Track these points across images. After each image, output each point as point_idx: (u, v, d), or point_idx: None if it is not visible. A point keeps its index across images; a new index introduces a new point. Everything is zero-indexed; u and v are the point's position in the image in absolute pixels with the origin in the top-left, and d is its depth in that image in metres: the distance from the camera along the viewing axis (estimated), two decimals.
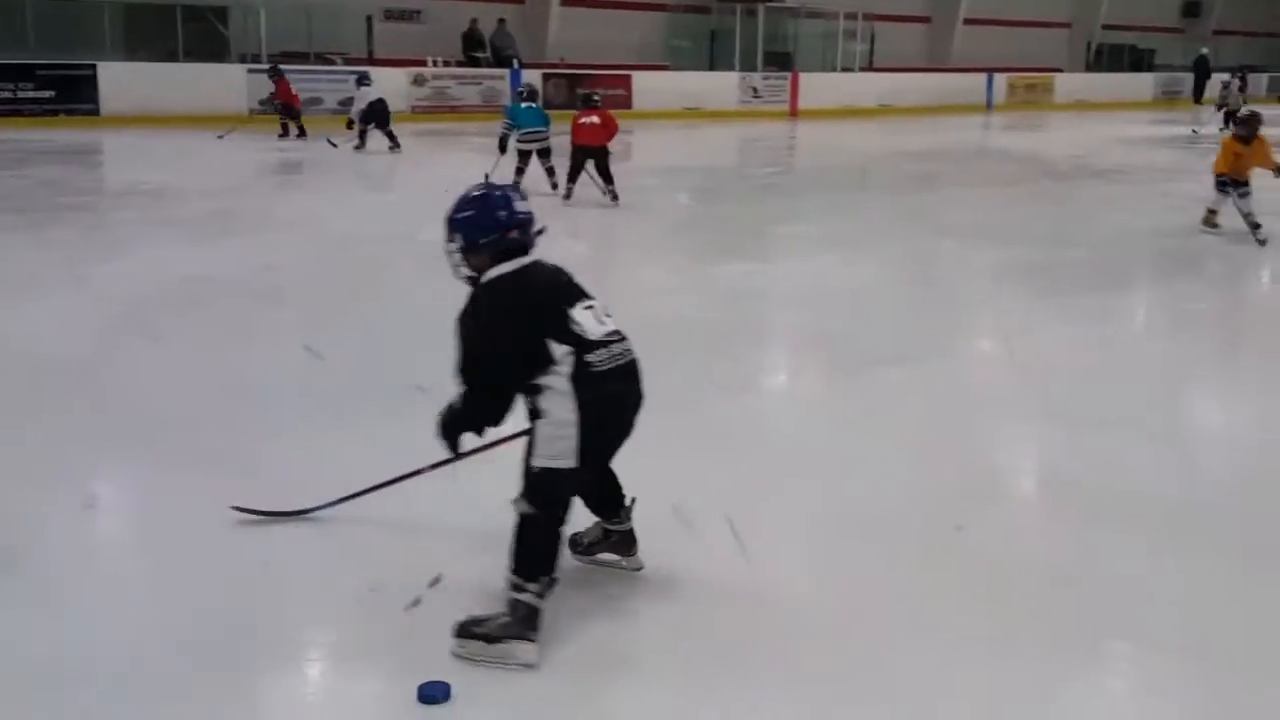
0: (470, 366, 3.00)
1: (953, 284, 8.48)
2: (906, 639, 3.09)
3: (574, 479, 2.99)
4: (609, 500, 3.33)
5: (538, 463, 2.94)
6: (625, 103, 22.92)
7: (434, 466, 3.45)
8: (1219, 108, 22.84)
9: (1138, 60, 35.23)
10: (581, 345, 2.93)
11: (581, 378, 2.91)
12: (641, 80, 23.93)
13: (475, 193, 3.16)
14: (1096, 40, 34.68)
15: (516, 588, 2.95)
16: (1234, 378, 6.30)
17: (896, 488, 4.15)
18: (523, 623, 2.92)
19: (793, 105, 25.85)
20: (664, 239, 10.28)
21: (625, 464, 3.23)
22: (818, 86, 26.37)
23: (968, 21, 31.35)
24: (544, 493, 2.95)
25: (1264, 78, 33.78)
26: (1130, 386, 5.74)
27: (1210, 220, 10.26)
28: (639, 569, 3.40)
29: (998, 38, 31.64)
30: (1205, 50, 33.90)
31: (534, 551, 2.95)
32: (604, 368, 2.95)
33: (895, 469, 4.35)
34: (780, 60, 27.49)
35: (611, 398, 2.98)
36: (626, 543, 3.39)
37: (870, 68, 29.39)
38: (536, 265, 3.08)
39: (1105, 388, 5.68)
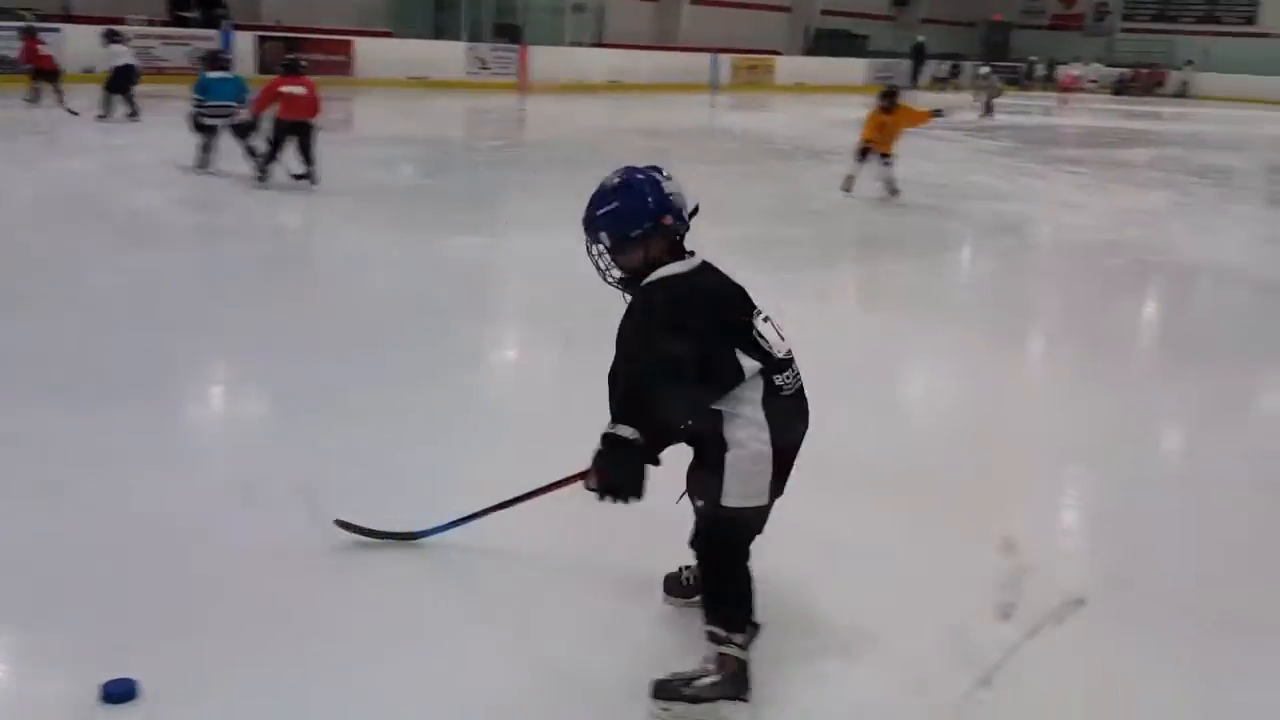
0: (639, 385, 2.43)
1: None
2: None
3: (763, 517, 2.59)
4: None
5: (730, 501, 2.51)
6: (346, 69, 21.97)
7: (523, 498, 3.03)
8: (978, 97, 24.29)
9: (853, 45, 36.89)
10: (769, 363, 2.54)
11: (772, 403, 2.52)
12: (364, 47, 22.98)
13: (616, 180, 2.63)
14: (815, 25, 36.10)
15: (719, 640, 2.60)
16: (936, 347, 6.44)
17: None
18: (733, 681, 2.58)
19: (522, 78, 25.48)
20: (385, 212, 9.73)
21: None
22: (547, 60, 26.11)
23: (694, 2, 31.94)
24: (736, 533, 2.59)
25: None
26: (850, 358, 5.78)
27: (848, 185, 11.14)
28: None
29: (723, 19, 32.44)
30: (922, 38, 36.36)
31: (732, 599, 2.63)
32: (789, 392, 2.57)
33: None
34: (510, 32, 27.06)
35: (796, 426, 2.59)
36: None
37: (600, 43, 29.42)
38: (709, 265, 2.64)
39: (827, 360, 5.67)
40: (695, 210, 2.66)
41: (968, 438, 4.66)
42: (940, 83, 34.78)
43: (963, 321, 6.97)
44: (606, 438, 2.42)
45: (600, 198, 2.63)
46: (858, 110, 24.68)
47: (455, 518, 3.20)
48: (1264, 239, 10.53)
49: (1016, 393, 5.60)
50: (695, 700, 2.55)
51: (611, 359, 2.50)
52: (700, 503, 2.59)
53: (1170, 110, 30.83)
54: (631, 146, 16.10)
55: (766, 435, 2.50)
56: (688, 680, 2.58)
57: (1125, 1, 42.08)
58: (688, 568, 2.96)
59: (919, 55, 35.96)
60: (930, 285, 8.11)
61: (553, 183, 11.39)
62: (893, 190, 10.92)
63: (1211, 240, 10.17)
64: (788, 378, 2.57)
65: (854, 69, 35.32)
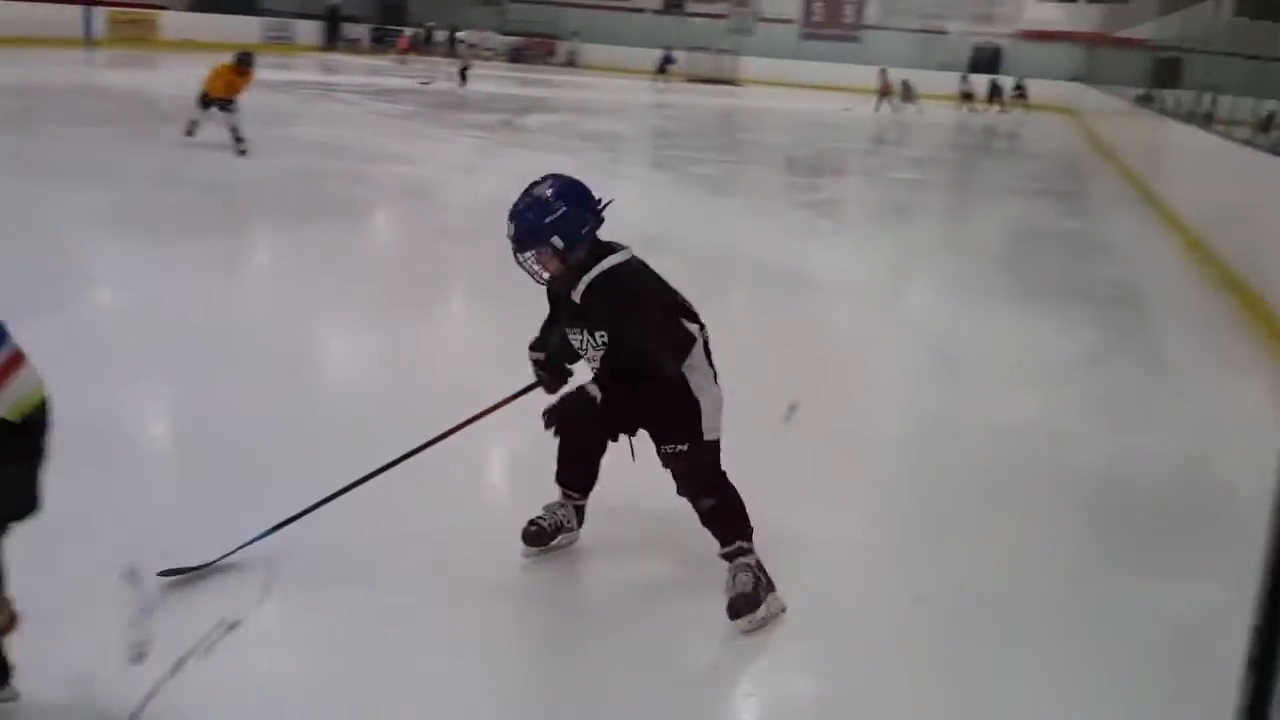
0: (660, 324, 2.98)
1: (55, 231, 7.49)
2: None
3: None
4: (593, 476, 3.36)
5: (711, 436, 3.03)
6: None
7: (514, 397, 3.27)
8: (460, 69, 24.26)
9: (245, 3, 35.38)
10: (702, 327, 3.08)
11: (710, 358, 3.09)
12: None
13: (549, 189, 3.04)
14: None
15: (745, 552, 3.08)
16: (354, 312, 6.38)
17: None
18: (765, 577, 3.06)
19: None
20: None
21: None
22: None
23: None
24: (718, 461, 3.07)
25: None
26: (270, 332, 5.57)
27: (191, 130, 11.59)
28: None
29: None
30: (337, 1, 37.81)
31: (738, 515, 3.10)
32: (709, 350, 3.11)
33: None
34: None
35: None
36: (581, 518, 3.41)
37: None
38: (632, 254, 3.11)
39: (238, 336, 5.43)
40: (609, 202, 3.11)
41: (383, 400, 4.65)
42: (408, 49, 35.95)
43: (372, 284, 6.96)
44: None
45: (541, 206, 2.98)
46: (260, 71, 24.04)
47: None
48: (647, 199, 11.56)
49: (426, 355, 5.64)
50: (759, 603, 3.00)
51: None
52: (684, 447, 3.02)
53: (561, 79, 33.09)
54: None
55: (716, 383, 3.07)
56: (743, 594, 3.00)
57: None
58: (538, 518, 3.32)
59: (334, 18, 37.29)
60: (339, 249, 7.99)
61: None
62: (238, 138, 11.15)
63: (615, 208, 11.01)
64: (707, 338, 3.09)
65: (247, 26, 33.96)
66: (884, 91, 28.16)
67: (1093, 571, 3.57)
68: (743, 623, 2.98)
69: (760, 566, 3.07)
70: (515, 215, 2.99)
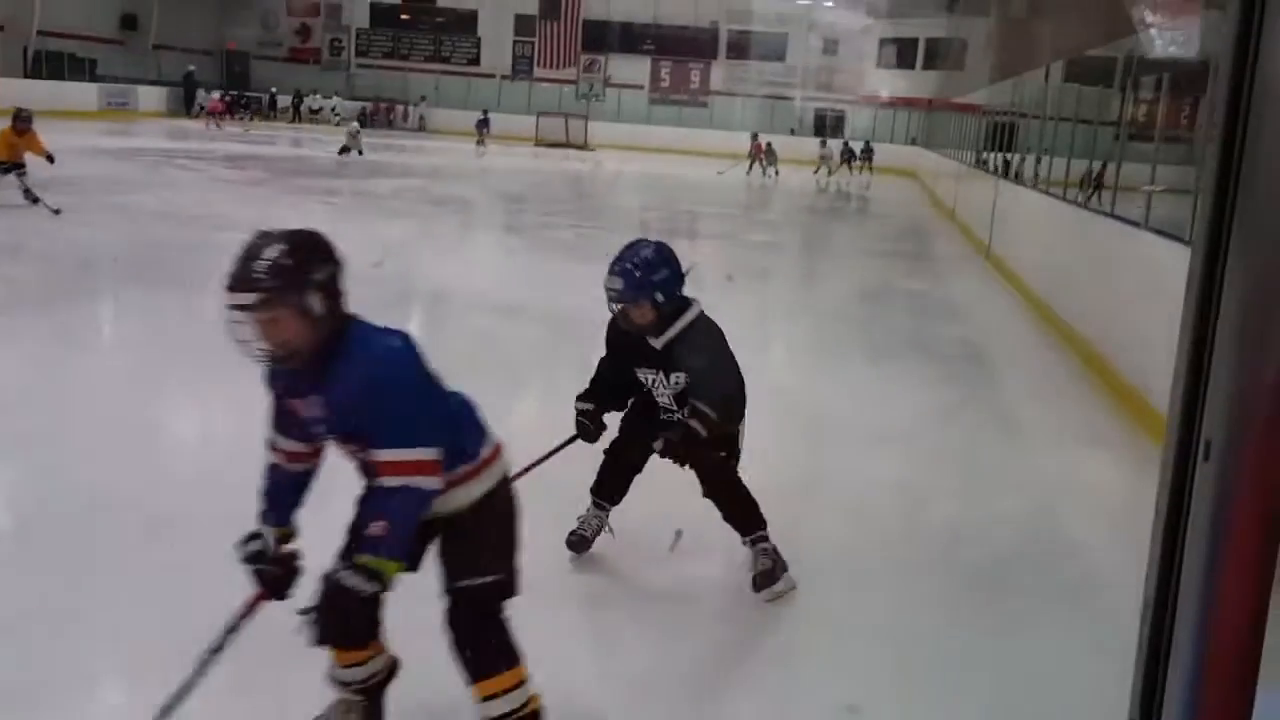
0: (727, 375, 3.61)
1: None
2: None
3: None
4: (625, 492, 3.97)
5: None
6: None
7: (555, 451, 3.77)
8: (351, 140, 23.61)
9: (80, 69, 34.36)
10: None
11: None
12: None
13: (649, 250, 3.56)
14: (33, 46, 32.97)
15: (765, 538, 3.76)
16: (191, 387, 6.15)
17: None
18: (779, 559, 3.75)
19: None
20: None
21: None
22: None
23: None
24: (735, 469, 3.79)
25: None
26: (87, 406, 5.31)
27: None
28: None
29: None
30: (192, 67, 38.36)
31: (753, 510, 3.78)
32: None
33: None
34: None
35: None
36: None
37: None
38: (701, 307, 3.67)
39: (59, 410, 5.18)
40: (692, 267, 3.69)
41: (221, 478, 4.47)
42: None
43: (218, 357, 6.69)
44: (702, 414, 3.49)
45: (647, 266, 3.49)
46: (92, 138, 23.32)
47: None
48: (503, 264, 11.53)
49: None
50: (777, 579, 3.71)
51: None
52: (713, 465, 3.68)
53: (410, 143, 32.91)
54: None
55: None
56: (767, 573, 3.69)
57: (359, 38, 44.10)
58: (579, 529, 3.93)
59: (190, 84, 37.61)
60: (183, 321, 7.70)
61: None
62: (32, 199, 11.11)
63: (456, 265, 10.92)
64: None
65: (84, 94, 33.08)
66: (755, 155, 28.93)
67: (949, 627, 3.68)
68: (765, 594, 3.69)
69: (776, 551, 3.74)
70: (623, 273, 3.48)
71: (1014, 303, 10.64)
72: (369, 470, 2.39)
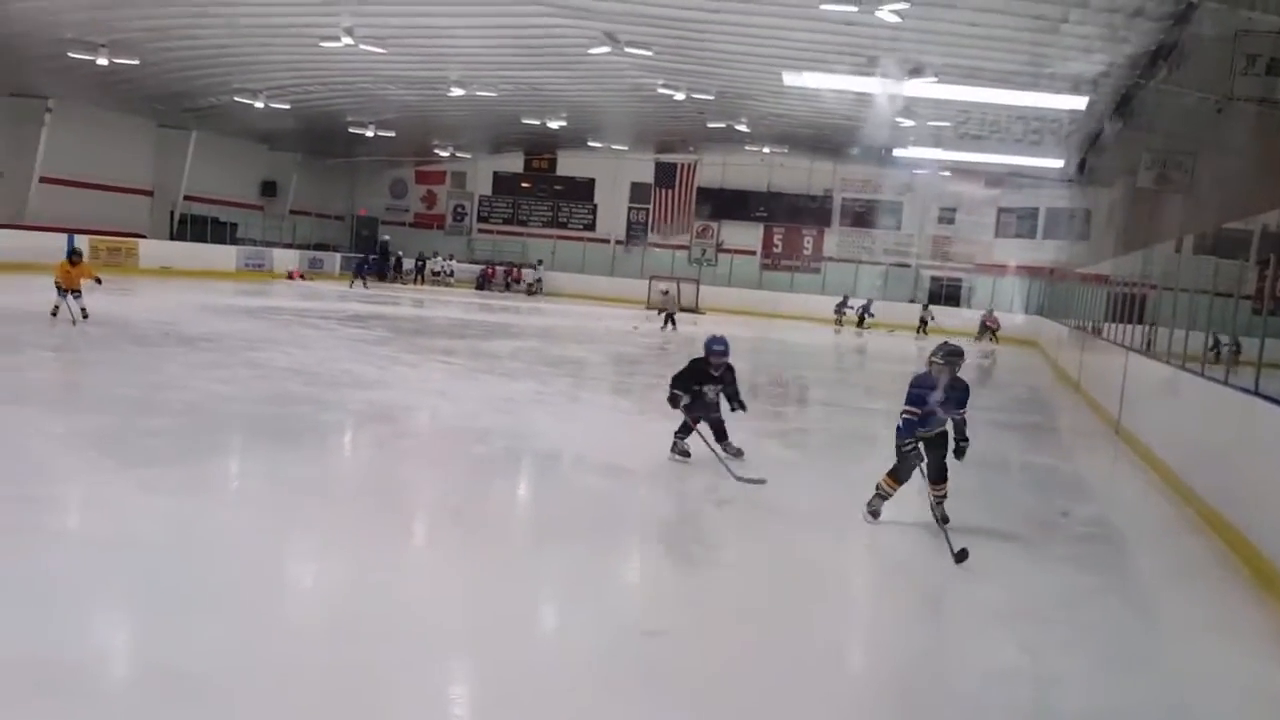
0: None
1: (31, 455, 7.48)
2: None
3: None
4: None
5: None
6: None
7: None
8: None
9: (220, 231, 36.35)
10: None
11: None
12: None
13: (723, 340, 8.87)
14: (180, 209, 35.03)
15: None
16: (321, 537, 6.19)
17: None
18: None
19: None
20: None
21: None
22: None
23: (44, 180, 29.63)
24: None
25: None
26: (224, 558, 5.37)
27: (54, 311, 15.21)
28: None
29: (79, 199, 30.41)
30: (387, 237, 42.74)
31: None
32: None
33: None
34: None
35: None
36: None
37: None
38: None
39: (203, 566, 5.24)
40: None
41: (348, 629, 4.44)
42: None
43: (343, 510, 6.81)
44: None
45: (725, 343, 8.77)
46: (230, 297, 24.43)
47: None
48: (609, 425, 11.55)
49: (398, 579, 5.48)
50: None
51: None
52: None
53: (527, 305, 33.73)
54: None
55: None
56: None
57: (481, 204, 45.86)
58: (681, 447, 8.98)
59: (384, 252, 42.48)
60: (310, 475, 7.85)
61: None
62: (84, 314, 15.12)
63: (568, 426, 10.97)
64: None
65: (224, 255, 34.97)
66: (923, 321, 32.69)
67: None
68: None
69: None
70: (723, 342, 8.73)
71: (1148, 480, 10.22)
72: None
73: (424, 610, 4.99)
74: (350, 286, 35.43)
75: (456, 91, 28.40)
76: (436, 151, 42.15)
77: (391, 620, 4.80)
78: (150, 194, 34.40)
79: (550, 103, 31.55)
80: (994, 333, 32.62)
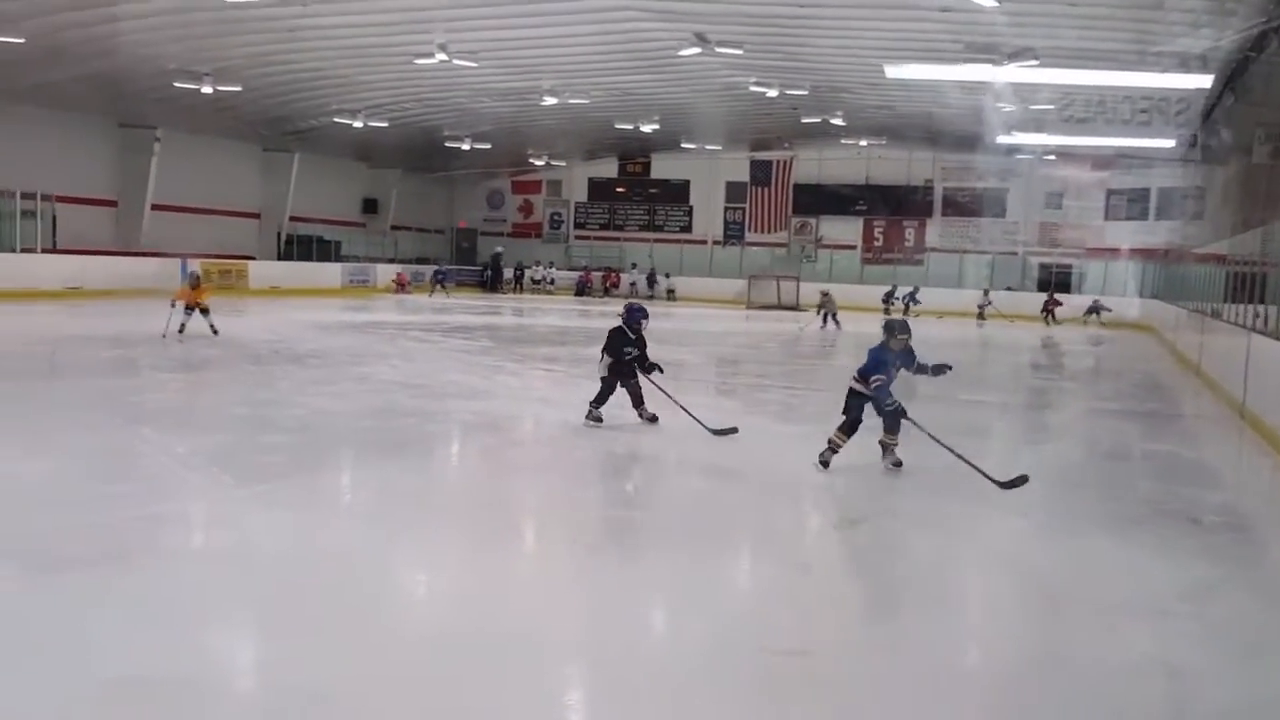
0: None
1: (155, 474, 7.72)
2: None
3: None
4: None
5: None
6: None
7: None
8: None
9: (325, 250, 37.23)
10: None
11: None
12: None
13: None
14: (286, 230, 35.98)
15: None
16: (429, 549, 6.26)
17: None
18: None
19: None
20: None
21: None
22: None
23: (156, 208, 30.68)
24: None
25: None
26: (337, 571, 5.46)
27: (181, 328, 17.03)
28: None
29: (189, 225, 31.50)
30: (500, 249, 44.05)
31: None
32: None
33: None
34: None
35: None
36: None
37: (54, 249, 27.31)
38: None
39: (322, 579, 5.34)
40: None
41: (459, 636, 4.47)
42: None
43: (453, 520, 6.90)
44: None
45: (646, 312, 10.49)
46: (336, 314, 24.98)
47: None
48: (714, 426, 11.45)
49: (510, 591, 5.50)
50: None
51: None
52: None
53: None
54: (94, 356, 15.00)
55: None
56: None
57: (578, 211, 46.21)
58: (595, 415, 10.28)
59: (496, 263, 43.64)
60: (419, 485, 7.97)
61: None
62: (213, 329, 17.21)
63: (668, 430, 10.90)
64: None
65: (329, 273, 35.77)
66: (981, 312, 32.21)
67: None
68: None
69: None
70: (642, 310, 10.44)
71: (1276, 465, 9.80)
72: None
73: (542, 619, 4.97)
74: (430, 295, 35.94)
75: (549, 100, 28.65)
76: (532, 161, 42.59)
77: (508, 629, 4.79)
78: (257, 216, 35.45)
79: (643, 106, 31.64)
80: (1097, 314, 31.60)
